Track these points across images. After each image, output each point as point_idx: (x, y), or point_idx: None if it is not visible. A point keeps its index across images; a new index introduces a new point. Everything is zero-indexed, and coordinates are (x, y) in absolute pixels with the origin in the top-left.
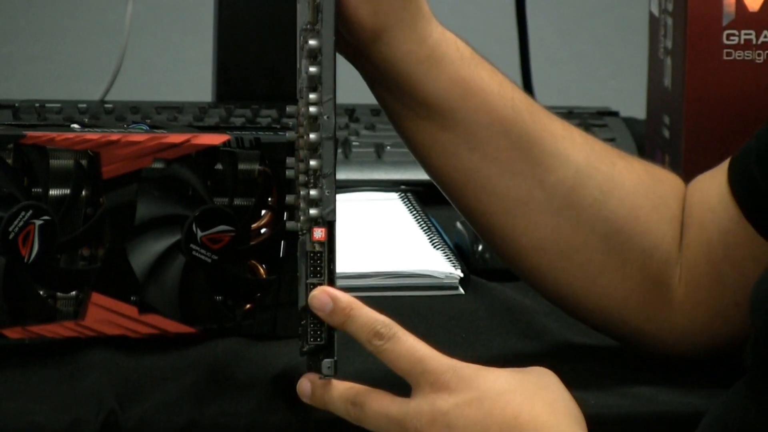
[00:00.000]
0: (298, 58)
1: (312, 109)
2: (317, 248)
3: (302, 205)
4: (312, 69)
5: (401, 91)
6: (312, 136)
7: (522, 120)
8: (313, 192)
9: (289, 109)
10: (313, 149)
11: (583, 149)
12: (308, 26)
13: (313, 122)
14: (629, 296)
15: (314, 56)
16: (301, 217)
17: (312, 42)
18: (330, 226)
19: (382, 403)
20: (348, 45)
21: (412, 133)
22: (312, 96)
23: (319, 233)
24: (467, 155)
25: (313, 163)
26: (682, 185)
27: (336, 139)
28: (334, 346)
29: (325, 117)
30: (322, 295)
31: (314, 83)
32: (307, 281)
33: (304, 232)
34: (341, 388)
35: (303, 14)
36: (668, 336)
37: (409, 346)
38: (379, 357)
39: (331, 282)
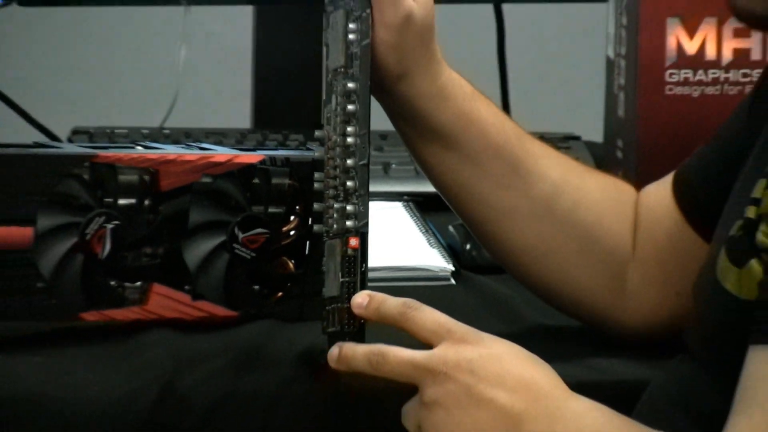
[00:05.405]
0: (325, 92)
1: (349, 139)
2: (351, 253)
3: (336, 216)
4: (350, 107)
5: (415, 121)
6: (349, 161)
7: (511, 144)
8: (349, 207)
9: (318, 133)
10: (347, 173)
11: (558, 166)
12: (341, 69)
13: (348, 150)
14: (595, 288)
15: (349, 96)
16: (334, 226)
17: (350, 85)
18: (363, 236)
19: (405, 352)
20: (374, 84)
21: (422, 153)
22: (349, 129)
23: (354, 242)
24: (466, 172)
25: (349, 184)
26: (635, 193)
27: (369, 165)
28: (364, 334)
29: (362, 147)
30: (360, 295)
31: (349, 118)
32: (342, 279)
33: (331, 235)
34: (365, 346)
35: (335, 59)
36: (625, 319)
37: (435, 313)
38: (407, 323)
39: (363, 280)
